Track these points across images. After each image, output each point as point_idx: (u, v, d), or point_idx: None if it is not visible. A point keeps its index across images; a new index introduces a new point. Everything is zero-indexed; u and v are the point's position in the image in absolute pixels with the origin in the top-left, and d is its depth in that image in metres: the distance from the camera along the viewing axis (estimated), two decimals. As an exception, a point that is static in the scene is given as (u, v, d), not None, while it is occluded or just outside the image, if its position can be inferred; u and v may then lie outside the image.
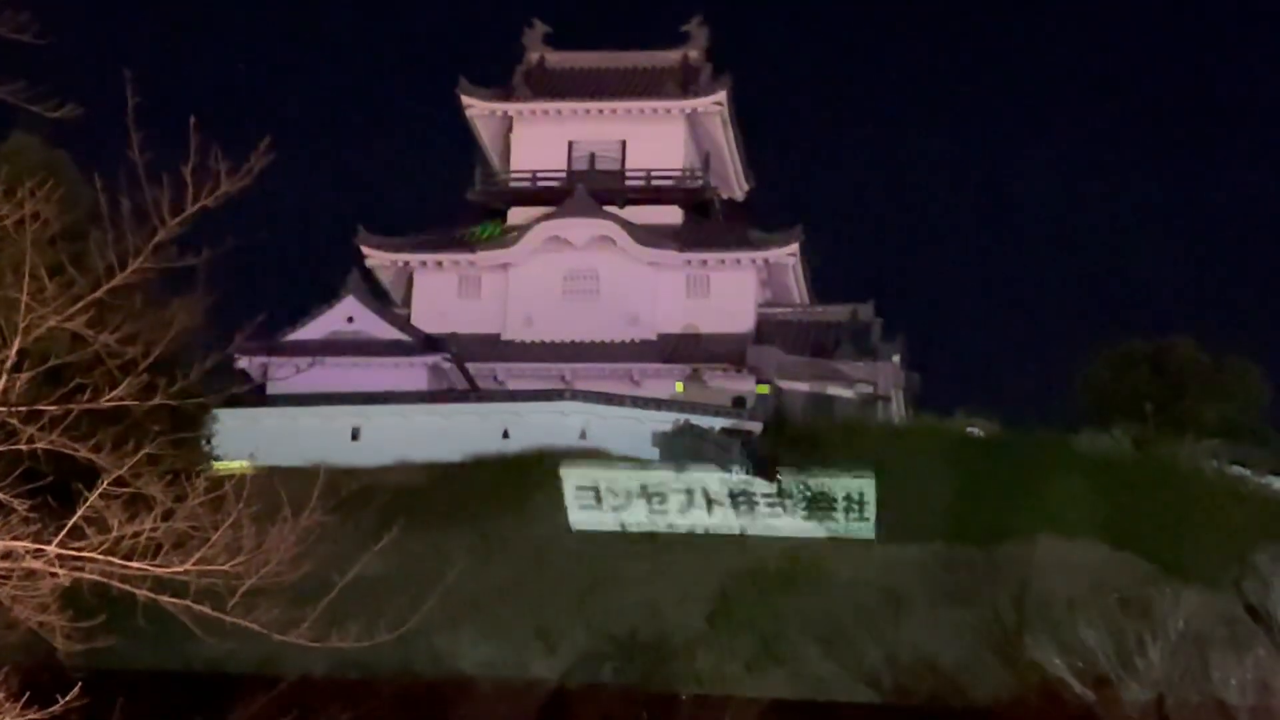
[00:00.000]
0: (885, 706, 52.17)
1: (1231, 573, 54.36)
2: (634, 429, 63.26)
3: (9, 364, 18.32)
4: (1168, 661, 45.72)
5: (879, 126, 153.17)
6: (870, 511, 57.86)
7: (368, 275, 76.36)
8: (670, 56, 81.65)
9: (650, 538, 57.20)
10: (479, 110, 79.93)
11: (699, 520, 58.87)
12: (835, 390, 69.39)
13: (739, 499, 59.14)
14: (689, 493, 59.53)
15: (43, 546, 18.60)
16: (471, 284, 76.85)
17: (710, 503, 59.19)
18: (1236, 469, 62.43)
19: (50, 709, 19.27)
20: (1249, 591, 51.72)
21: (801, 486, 58.14)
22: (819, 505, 58.25)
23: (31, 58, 18.97)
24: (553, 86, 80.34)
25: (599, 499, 60.09)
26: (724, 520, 58.71)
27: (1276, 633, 48.23)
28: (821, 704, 52.21)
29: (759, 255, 75.69)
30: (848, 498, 58.34)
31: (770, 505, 58.79)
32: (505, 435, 63.14)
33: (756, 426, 64.06)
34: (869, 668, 53.73)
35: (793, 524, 58.31)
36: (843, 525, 58.02)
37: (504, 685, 50.25)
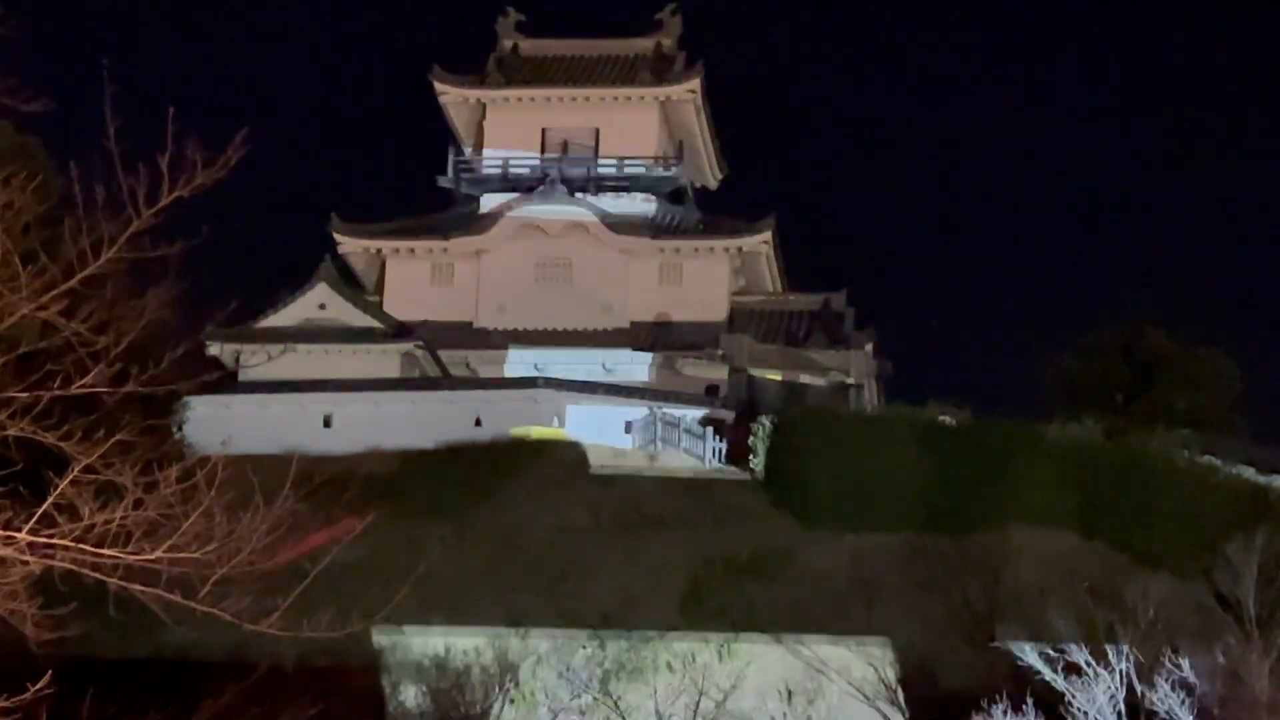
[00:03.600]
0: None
1: (1201, 562, 54.50)
2: (607, 416, 63.29)
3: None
4: (1138, 650, 45.81)
5: (853, 115, 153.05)
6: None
7: (340, 262, 76.11)
8: (643, 44, 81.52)
9: (623, 525, 57.23)
10: (452, 97, 79.73)
11: None
12: (808, 379, 69.42)
13: None
14: None
15: (13, 534, 18.55)
16: (444, 271, 76.71)
17: None
18: (1207, 458, 62.57)
19: (20, 697, 19.21)
20: (1219, 580, 51.82)
21: None
22: None
23: (5, 46, 18.91)
24: (526, 73, 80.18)
25: None
26: None
27: (1246, 622, 48.33)
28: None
29: (732, 243, 75.64)
30: None
31: None
32: (478, 423, 63.09)
33: (729, 415, 64.09)
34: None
35: None
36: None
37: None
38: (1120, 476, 59.94)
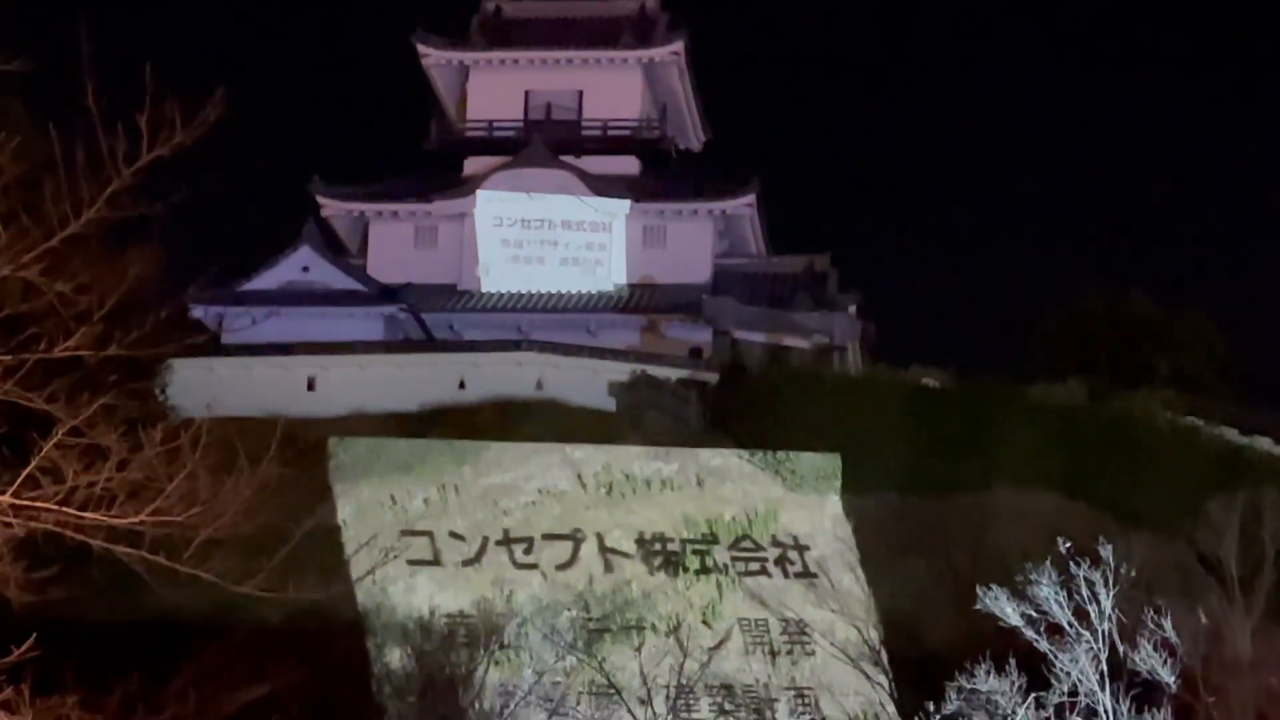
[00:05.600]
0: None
1: (1184, 522, 54.69)
2: (590, 379, 63.30)
3: (-39, 314, 18.25)
4: (1120, 610, 45.96)
5: (837, 77, 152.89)
6: None
7: (324, 225, 75.97)
8: (627, 6, 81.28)
9: (609, 488, 57.29)
10: (435, 60, 79.54)
11: None
12: (791, 341, 69.41)
13: None
14: None
15: (-4, 497, 18.54)
16: (427, 234, 76.60)
17: None
18: (1190, 419, 62.78)
19: (4, 660, 19.24)
20: (1201, 540, 52.01)
21: None
22: None
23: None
24: (509, 36, 79.94)
25: None
26: None
27: (1228, 582, 48.54)
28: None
29: (716, 206, 75.57)
30: None
31: None
32: (461, 385, 63.09)
33: (713, 377, 64.12)
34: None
35: None
36: None
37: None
38: (1104, 438, 60.13)
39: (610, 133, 77.83)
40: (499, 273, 74.81)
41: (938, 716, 43.07)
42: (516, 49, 78.85)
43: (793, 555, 55.86)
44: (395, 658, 50.22)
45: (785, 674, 52.86)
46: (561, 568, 55.01)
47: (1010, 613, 46.09)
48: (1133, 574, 46.21)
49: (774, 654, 53.30)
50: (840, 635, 53.50)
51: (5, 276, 18.41)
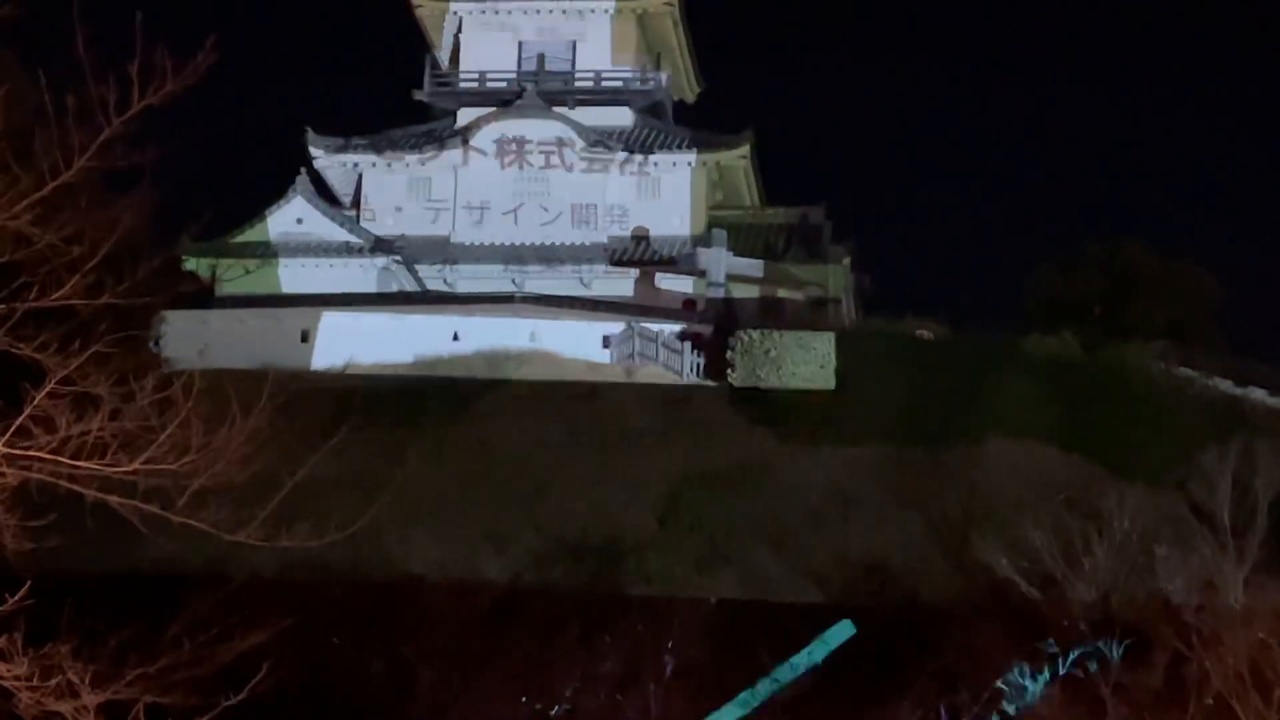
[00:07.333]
0: (833, 607, 52.51)
1: (1177, 473, 54.74)
2: (584, 331, 63.28)
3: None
4: (1114, 561, 46.10)
5: (832, 28, 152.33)
6: None
7: (317, 176, 75.75)
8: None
9: (601, 440, 57.26)
10: (428, 10, 79.20)
11: None
12: (785, 293, 69.40)
13: None
14: None
15: (-11, 447, 18.49)
16: (421, 185, 76.36)
17: None
18: (1184, 370, 62.80)
19: (-2, 609, 19.22)
20: (1194, 491, 52.10)
21: None
22: None
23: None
24: (503, -15, 79.52)
25: None
26: None
27: (1221, 532, 48.65)
28: (770, 604, 52.52)
29: (710, 157, 75.37)
30: None
31: None
32: (455, 338, 63.06)
33: (706, 329, 64.09)
34: (818, 569, 54.02)
35: None
36: None
37: (454, 586, 50.37)
38: (1098, 389, 60.15)
39: (603, 83, 77.52)
40: (492, 224, 74.63)
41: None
42: (509, -1, 78.48)
43: (787, 506, 55.88)
44: (390, 608, 50.24)
45: (781, 623, 52.91)
46: (554, 519, 55.04)
47: (1004, 564, 46.27)
48: (1126, 525, 46.37)
49: (767, 604, 53.36)
50: (835, 585, 53.56)
51: (-3, 226, 18.36)
